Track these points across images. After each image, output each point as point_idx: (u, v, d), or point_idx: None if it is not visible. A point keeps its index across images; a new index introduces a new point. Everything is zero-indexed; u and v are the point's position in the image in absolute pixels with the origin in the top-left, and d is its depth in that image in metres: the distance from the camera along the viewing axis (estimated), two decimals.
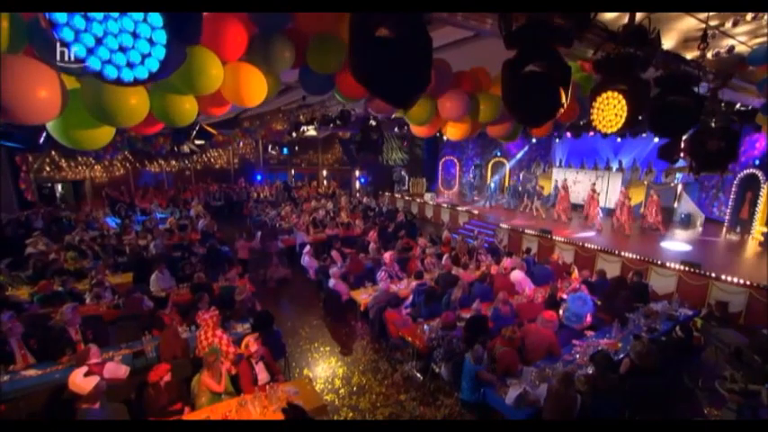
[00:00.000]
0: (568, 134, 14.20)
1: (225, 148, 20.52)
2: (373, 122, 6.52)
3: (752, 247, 10.37)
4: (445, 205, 15.96)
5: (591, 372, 4.69)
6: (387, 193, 19.21)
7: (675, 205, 12.94)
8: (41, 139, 7.50)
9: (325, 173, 22.27)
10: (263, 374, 5.01)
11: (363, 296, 7.51)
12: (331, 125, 9.47)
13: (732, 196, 11.94)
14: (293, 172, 22.60)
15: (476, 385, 4.88)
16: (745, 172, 11.64)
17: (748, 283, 7.41)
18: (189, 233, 11.32)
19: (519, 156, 18.20)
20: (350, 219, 12.89)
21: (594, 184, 13.53)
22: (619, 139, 13.69)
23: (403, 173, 19.91)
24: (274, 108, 15.08)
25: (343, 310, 7.70)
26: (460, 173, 19.72)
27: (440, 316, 6.46)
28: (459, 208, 15.28)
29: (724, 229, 11.82)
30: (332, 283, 7.74)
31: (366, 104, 2.74)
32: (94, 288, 7.17)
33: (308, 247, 9.46)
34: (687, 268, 8.20)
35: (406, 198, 18.03)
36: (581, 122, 11.33)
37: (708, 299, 7.76)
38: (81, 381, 4.38)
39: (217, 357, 4.80)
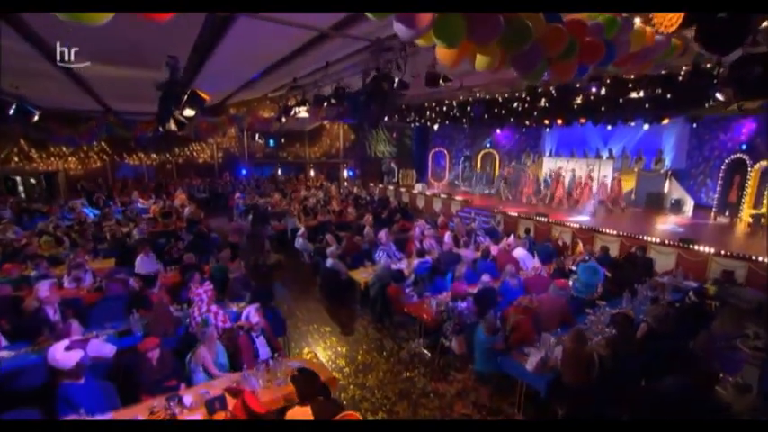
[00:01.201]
0: (559, 121, 14.20)
1: (207, 141, 19.86)
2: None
3: (741, 228, 10.51)
4: (443, 195, 15.77)
5: (612, 334, 4.52)
6: (380, 185, 18.94)
7: (665, 191, 13.07)
8: (11, 111, 6.94)
9: (312, 167, 21.86)
10: (264, 350, 4.66)
11: (363, 275, 7.21)
12: (325, 104, 9.13)
13: (719, 181, 12.12)
14: (279, 166, 22.07)
15: (490, 355, 4.64)
16: (732, 157, 11.85)
17: (747, 256, 7.44)
18: (174, 221, 10.79)
19: (509, 147, 18.23)
20: (342, 206, 12.57)
21: (561, 168, 14.72)
22: (609, 127, 13.75)
23: (393, 165, 19.70)
24: (261, 95, 14.66)
25: (342, 289, 7.37)
26: (450, 164, 19.63)
27: (446, 291, 6.25)
28: (457, 197, 15.12)
29: (712, 214, 11.98)
30: (330, 262, 7.41)
31: (395, 20, 2.47)
32: (73, 270, 6.63)
33: (302, 230, 9.10)
34: (686, 245, 8.20)
35: (399, 189, 17.82)
36: (575, 106, 11.34)
37: (707, 274, 7.76)
38: (62, 356, 3.95)
39: (208, 327, 4.46)
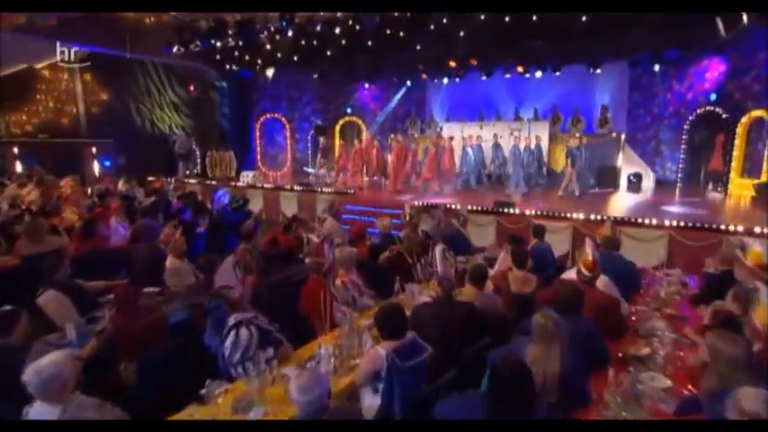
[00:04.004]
0: (457, 79, 12.03)
1: None
2: None
3: (744, 205, 9.56)
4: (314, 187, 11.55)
5: None
6: (175, 179, 13.36)
7: (619, 164, 11.90)
8: None
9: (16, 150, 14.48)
10: None
11: None
12: None
13: (683, 146, 11.54)
14: None
15: None
16: (697, 112, 11.27)
17: None
18: None
19: (383, 113, 15.36)
20: (92, 215, 7.11)
21: (477, 136, 12.57)
22: (538, 74, 11.91)
23: (192, 143, 14.37)
24: None
25: None
26: (292, 141, 15.55)
27: None
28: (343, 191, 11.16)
29: (677, 189, 11.25)
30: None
31: None
32: None
33: None
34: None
35: (208, 184, 12.78)
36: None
37: None
38: None
39: None
